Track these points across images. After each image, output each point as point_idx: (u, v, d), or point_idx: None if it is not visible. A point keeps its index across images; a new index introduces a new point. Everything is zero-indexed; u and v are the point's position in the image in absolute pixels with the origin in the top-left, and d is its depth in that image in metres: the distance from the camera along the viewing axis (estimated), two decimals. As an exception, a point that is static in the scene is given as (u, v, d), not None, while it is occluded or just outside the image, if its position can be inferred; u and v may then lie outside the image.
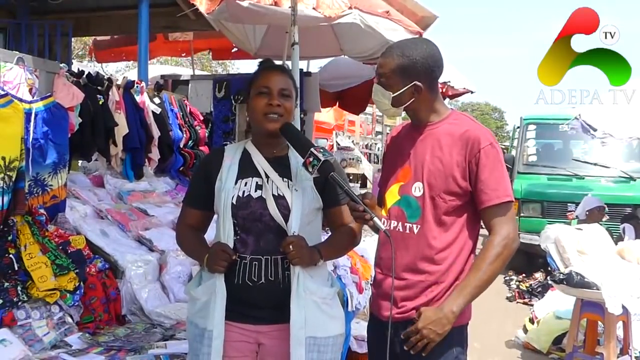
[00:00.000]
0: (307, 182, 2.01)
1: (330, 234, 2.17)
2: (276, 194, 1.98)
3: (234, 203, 1.98)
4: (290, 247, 1.90)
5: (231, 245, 1.97)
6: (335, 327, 2.04)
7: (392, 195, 2.13)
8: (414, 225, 2.05)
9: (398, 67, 2.02)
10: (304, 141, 1.98)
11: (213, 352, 1.93)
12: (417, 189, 2.06)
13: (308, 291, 1.95)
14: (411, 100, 2.06)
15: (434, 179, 2.03)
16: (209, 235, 2.19)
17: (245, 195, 1.99)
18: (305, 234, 1.96)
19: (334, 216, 2.10)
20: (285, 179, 2.01)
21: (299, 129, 4.07)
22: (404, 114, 2.19)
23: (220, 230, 2.00)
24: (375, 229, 2.19)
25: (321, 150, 1.93)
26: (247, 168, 2.04)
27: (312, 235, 2.02)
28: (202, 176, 2.12)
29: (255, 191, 1.99)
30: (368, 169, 10.13)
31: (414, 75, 2.03)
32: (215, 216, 2.11)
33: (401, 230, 2.07)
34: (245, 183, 2.01)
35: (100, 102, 3.62)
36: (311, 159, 1.91)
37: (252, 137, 2.13)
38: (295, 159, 2.04)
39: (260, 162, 2.04)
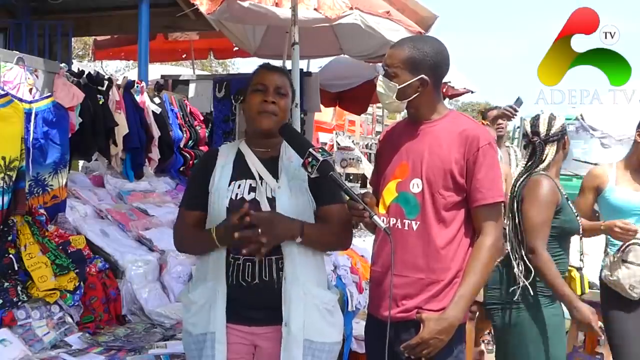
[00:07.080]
0: (302, 182, 1.99)
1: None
2: (270, 196, 1.96)
3: (227, 206, 1.96)
4: (259, 226, 1.83)
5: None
6: (333, 334, 2.02)
7: (390, 192, 2.12)
8: (413, 222, 2.05)
9: (409, 58, 2.03)
10: (303, 142, 1.98)
11: (217, 355, 1.91)
12: (415, 186, 2.06)
13: (310, 294, 1.94)
14: (416, 95, 2.05)
15: (433, 175, 2.03)
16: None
17: (238, 198, 1.97)
18: None
19: (325, 215, 2.03)
20: (278, 180, 2.00)
21: (299, 129, 4.11)
22: (403, 112, 2.19)
23: None
24: (372, 229, 2.19)
25: (320, 150, 1.91)
26: (241, 170, 2.03)
27: None
28: (197, 178, 2.10)
29: (249, 194, 1.98)
30: (368, 169, 10.10)
31: (422, 69, 2.04)
32: None
33: (400, 227, 2.07)
34: (239, 185, 1.99)
35: (101, 102, 3.62)
36: (310, 159, 1.89)
37: (246, 137, 2.11)
38: (286, 155, 2.03)
39: (254, 163, 2.02)
